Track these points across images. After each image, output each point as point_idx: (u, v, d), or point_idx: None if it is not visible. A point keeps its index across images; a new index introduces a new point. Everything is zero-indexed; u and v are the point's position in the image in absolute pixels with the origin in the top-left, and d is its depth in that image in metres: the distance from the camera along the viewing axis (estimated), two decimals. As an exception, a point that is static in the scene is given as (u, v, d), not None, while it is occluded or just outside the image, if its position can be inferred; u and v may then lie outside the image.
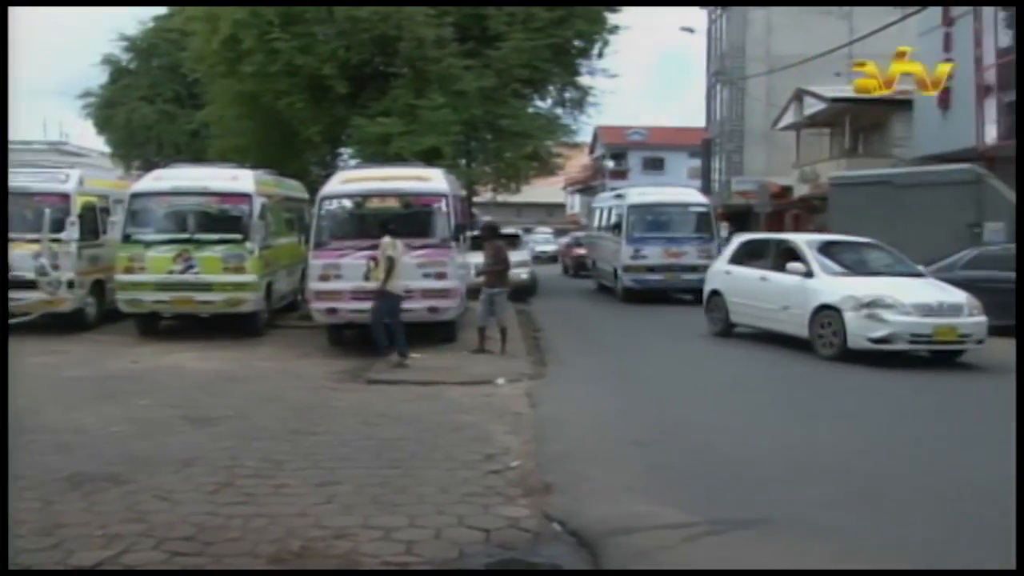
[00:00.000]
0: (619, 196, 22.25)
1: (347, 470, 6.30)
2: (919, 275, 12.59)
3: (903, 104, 27.85)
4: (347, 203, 13.41)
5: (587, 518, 5.27)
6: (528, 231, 41.25)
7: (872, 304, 11.31)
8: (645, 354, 12.78)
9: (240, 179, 14.34)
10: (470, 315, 13.43)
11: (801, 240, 13.47)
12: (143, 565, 4.63)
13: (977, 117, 22.90)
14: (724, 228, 29.28)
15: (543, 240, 43.63)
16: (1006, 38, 22.17)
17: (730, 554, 4.80)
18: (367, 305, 11.68)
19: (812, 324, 11.98)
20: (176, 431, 7.60)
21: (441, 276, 12.36)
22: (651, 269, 19.84)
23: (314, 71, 18.48)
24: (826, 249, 12.99)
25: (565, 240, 37.19)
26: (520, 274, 21.10)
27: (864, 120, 32.20)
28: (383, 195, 13.14)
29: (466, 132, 20.08)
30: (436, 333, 12.81)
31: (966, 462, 6.79)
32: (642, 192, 22.10)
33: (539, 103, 22.94)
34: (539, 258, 34.36)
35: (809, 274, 12.31)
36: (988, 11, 22.61)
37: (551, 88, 22.66)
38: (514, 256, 21.24)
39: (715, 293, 14.48)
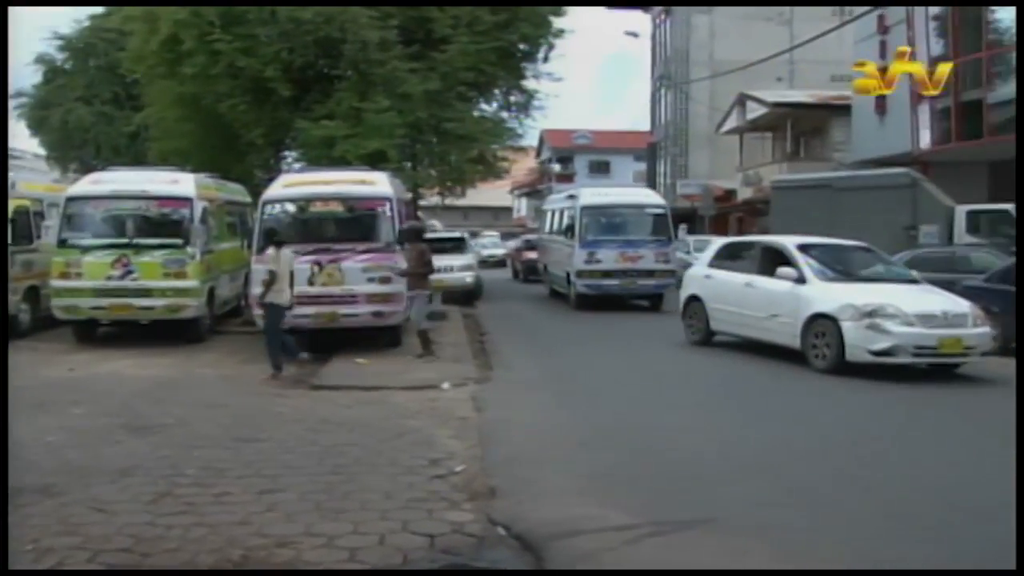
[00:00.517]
0: (571, 197, 21.21)
1: (290, 477, 6.22)
2: (914, 281, 11.84)
3: (842, 109, 28.54)
4: (290, 207, 13.29)
5: (531, 522, 5.28)
6: (475, 235, 41.02)
7: (873, 314, 10.45)
8: (596, 360, 12.47)
9: (181, 183, 14.10)
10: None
11: (790, 243, 12.43)
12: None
13: (912, 123, 23.52)
14: (682, 230, 29.41)
15: (490, 244, 43.42)
16: (938, 46, 22.82)
17: (672, 554, 4.84)
18: (312, 310, 11.80)
19: (805, 334, 11.12)
20: (114, 440, 7.44)
21: (386, 280, 12.29)
22: (606, 274, 18.92)
23: (257, 73, 18.24)
24: (814, 252, 12.06)
25: (515, 243, 36.72)
26: (465, 278, 21.13)
27: (805, 125, 32.89)
28: (326, 199, 13.08)
29: (411, 135, 19.96)
30: (381, 338, 12.77)
31: (929, 467, 6.75)
32: (595, 193, 21.01)
33: (484, 106, 22.96)
34: (486, 262, 34.18)
35: (801, 280, 11.44)
36: (920, 19, 23.23)
37: (496, 91, 22.67)
38: (459, 260, 21.42)
39: (693, 299, 13.56)
